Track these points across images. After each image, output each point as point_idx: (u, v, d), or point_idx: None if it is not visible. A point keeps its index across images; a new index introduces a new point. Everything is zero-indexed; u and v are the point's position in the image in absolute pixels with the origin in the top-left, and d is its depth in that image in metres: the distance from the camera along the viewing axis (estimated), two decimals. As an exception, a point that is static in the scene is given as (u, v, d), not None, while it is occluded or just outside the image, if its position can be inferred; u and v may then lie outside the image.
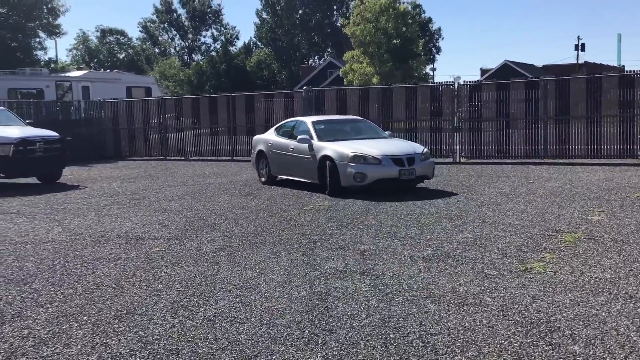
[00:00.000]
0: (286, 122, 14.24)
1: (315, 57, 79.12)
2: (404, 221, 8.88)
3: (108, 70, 50.27)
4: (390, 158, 11.20)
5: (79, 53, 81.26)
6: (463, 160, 18.24)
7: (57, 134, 15.00)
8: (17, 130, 14.25)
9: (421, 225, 8.58)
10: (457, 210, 9.76)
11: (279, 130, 13.86)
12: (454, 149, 18.54)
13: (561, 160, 16.80)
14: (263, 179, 13.78)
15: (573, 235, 7.63)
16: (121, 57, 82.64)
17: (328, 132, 12.57)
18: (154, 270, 6.53)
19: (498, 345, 4.31)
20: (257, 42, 79.35)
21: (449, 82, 19.07)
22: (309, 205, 10.55)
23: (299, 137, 12.33)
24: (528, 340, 4.38)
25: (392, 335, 4.53)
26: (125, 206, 11.14)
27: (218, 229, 8.63)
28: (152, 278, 6.23)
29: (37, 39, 47.39)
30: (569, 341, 4.35)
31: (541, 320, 4.75)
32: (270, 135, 13.93)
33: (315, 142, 12.11)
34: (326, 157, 11.58)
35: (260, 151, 13.92)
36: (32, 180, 15.65)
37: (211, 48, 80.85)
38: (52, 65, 48.40)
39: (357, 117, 15.20)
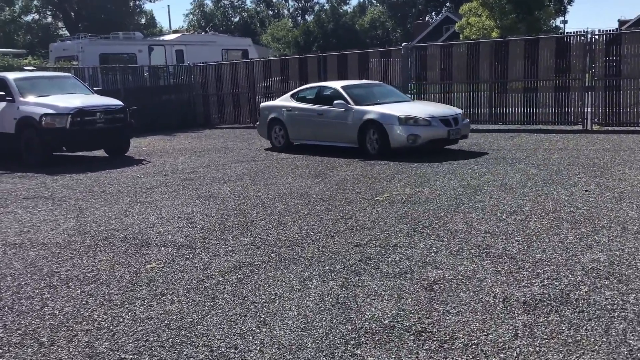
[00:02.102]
0: (304, 88, 14.31)
1: (432, 14, 74.52)
2: (504, 225, 6.36)
3: (203, 33, 49.59)
4: (439, 119, 11.64)
5: (195, 18, 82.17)
6: (596, 127, 14.93)
7: (120, 103, 13.58)
8: (77, 100, 12.96)
9: (528, 233, 6.03)
10: (584, 206, 7.04)
11: (296, 96, 13.86)
12: (584, 113, 15.25)
13: None
14: (279, 146, 13.82)
15: None
16: (235, 20, 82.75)
17: (361, 97, 12.67)
18: (121, 308, 4.58)
19: None
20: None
21: (580, 31, 15.55)
22: (384, 194, 8.23)
23: (335, 102, 12.43)
24: None
25: None
26: (171, 190, 9.41)
27: (251, 232, 6.58)
28: (106, 326, 4.27)
29: (137, 1, 46.89)
30: None
31: None
32: (286, 102, 13.88)
33: (353, 106, 12.24)
34: (370, 121, 11.80)
35: (273, 119, 13.92)
36: (101, 153, 14.47)
37: (324, 8, 78.61)
38: (157, 29, 47.95)
39: (377, 82, 15.38)
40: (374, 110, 11.93)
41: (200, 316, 4.32)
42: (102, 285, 5.09)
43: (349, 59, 18.70)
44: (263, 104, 14.88)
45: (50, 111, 12.47)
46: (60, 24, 41.28)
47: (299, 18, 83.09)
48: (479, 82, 16.57)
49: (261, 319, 4.23)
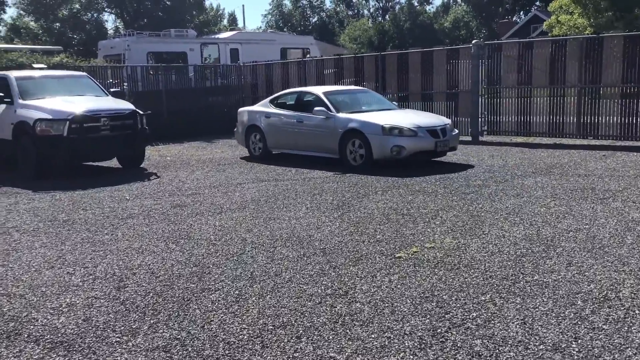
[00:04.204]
0: (284, 93, 13.47)
1: (521, 13, 69.88)
2: (628, 335, 3.82)
3: (261, 30, 47.71)
4: (426, 129, 10.75)
5: (273, 18, 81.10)
6: None
7: (129, 107, 11.71)
8: (80, 103, 11.19)
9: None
10: None
11: (276, 102, 12.95)
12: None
13: None
14: (256, 154, 12.95)
15: None
16: (313, 20, 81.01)
17: (343, 104, 11.77)
18: None
19: None
20: (457, -3, 72.29)
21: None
22: (411, 248, 5.79)
23: (315, 108, 11.50)
24: None
25: None
26: (146, 222, 7.36)
27: (184, 320, 4.36)
28: None
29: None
30: None
31: None
32: (265, 108, 12.98)
33: (335, 114, 11.33)
34: (352, 130, 10.90)
35: (252, 125, 13.01)
36: (115, 163, 12.70)
37: (402, 7, 75.51)
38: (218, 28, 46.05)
39: (361, 88, 14.44)
40: (356, 119, 11.05)
41: None
42: None
43: (411, 58, 16.17)
44: (241, 109, 13.84)
45: (46, 116, 10.75)
46: (118, 22, 40.86)
47: (379, 18, 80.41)
48: (565, 86, 13.66)
49: None
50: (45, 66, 13.53)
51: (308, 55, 24.53)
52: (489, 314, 4.16)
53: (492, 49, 14.87)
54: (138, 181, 10.58)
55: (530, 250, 5.60)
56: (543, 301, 4.37)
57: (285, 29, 77.14)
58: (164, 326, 4.16)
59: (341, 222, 6.97)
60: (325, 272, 5.17)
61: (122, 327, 4.16)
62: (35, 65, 13.26)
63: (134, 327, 4.16)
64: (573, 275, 4.90)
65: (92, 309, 4.51)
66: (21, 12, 39.74)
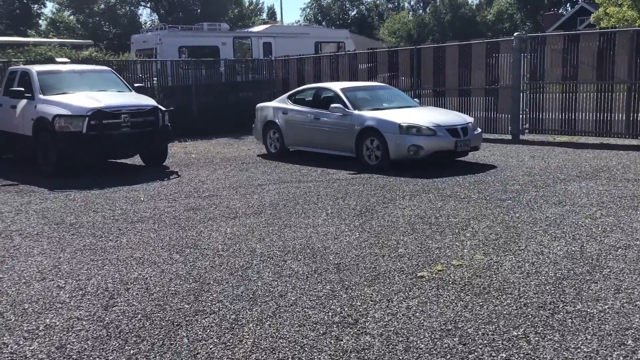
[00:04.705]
0: (303, 89, 13.05)
1: (567, 5, 67.60)
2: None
3: (295, 24, 46.86)
4: (446, 128, 10.23)
5: (311, 12, 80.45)
6: None
7: (151, 104, 11.29)
8: (101, 99, 10.82)
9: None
10: None
11: (293, 98, 12.58)
12: None
13: None
14: (273, 151, 12.62)
15: None
16: (352, 13, 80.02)
17: (362, 101, 11.39)
18: None
19: None
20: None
21: None
22: (435, 265, 5.17)
23: (332, 105, 11.12)
24: None
25: None
26: (155, 227, 6.92)
27: (166, 351, 3.84)
28: None
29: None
30: None
31: None
32: (283, 104, 12.62)
33: (352, 111, 10.94)
34: (369, 129, 10.47)
35: (269, 122, 12.69)
36: (138, 160, 12.36)
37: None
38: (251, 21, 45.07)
39: (383, 84, 13.80)
40: (373, 117, 10.66)
41: None
42: None
43: (448, 52, 15.41)
44: (259, 105, 13.49)
45: (65, 112, 10.42)
46: (153, 15, 40.79)
47: (420, 11, 78.94)
48: (614, 82, 12.73)
49: None
50: (69, 60, 13.26)
51: (342, 50, 23.90)
52: (521, 355, 3.52)
53: (535, 42, 14.00)
54: (157, 180, 10.17)
55: (572, 272, 4.91)
56: (586, 339, 3.70)
57: (323, 23, 76.41)
58: (143, 359, 3.65)
59: (361, 232, 6.37)
60: (335, 294, 4.59)
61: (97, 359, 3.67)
62: (58, 60, 13.01)
63: (109, 359, 3.66)
64: (622, 305, 4.21)
65: (70, 334, 4.04)
66: (57, 5, 40.17)
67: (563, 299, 4.35)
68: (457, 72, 15.11)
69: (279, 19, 67.35)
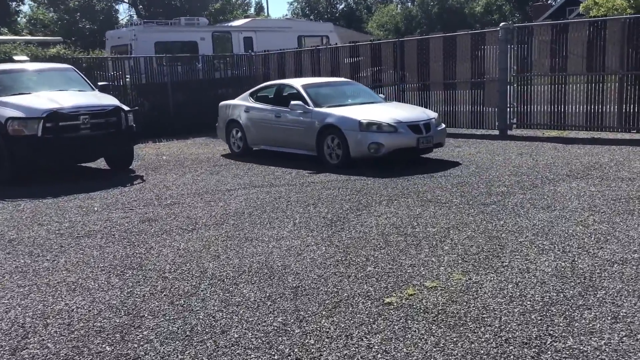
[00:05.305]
0: (264, 86, 12.67)
1: (556, -5, 67.01)
2: None
3: (277, 17, 45.88)
4: (407, 125, 9.90)
5: (299, 5, 79.48)
6: None
7: (113, 104, 10.57)
8: (58, 99, 10.07)
9: None
10: None
11: (255, 95, 12.17)
12: None
13: None
14: (236, 151, 12.23)
15: None
16: (340, 7, 79.11)
17: (323, 97, 10.96)
18: None
19: None
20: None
21: None
22: (406, 289, 4.51)
23: (292, 102, 10.75)
24: None
25: None
26: (100, 244, 6.23)
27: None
28: None
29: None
30: None
31: None
32: (245, 102, 12.15)
33: (313, 108, 10.56)
34: (329, 126, 10.11)
35: (231, 120, 12.28)
36: (102, 164, 11.64)
37: (432, -9, 73.14)
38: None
39: (346, 79, 13.22)
40: (333, 114, 10.25)
41: None
42: None
43: (432, 44, 14.74)
44: (222, 103, 13.01)
45: (18, 114, 9.70)
46: (131, 10, 39.63)
47: (408, 3, 78.20)
48: (605, 73, 12.10)
49: None
50: (28, 59, 12.48)
51: (326, 44, 23.18)
52: (500, 414, 2.87)
53: (522, 32, 13.35)
54: (118, 187, 9.46)
55: (562, 295, 4.26)
56: (580, 389, 3.06)
57: (311, 17, 75.54)
58: None
59: (328, 246, 5.71)
60: (287, 328, 3.93)
61: None
62: (16, 58, 12.23)
63: None
64: (621, 339, 3.56)
65: (-39, 389, 3.36)
66: (31, 1, 39.21)
67: (551, 331, 3.70)
68: (442, 65, 14.45)
69: (266, 13, 66.53)
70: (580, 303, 4.11)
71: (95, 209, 7.91)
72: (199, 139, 15.70)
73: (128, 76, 16.93)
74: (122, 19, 39.77)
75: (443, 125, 10.80)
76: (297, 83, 11.51)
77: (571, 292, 4.31)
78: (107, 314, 4.32)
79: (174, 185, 9.39)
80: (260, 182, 9.30)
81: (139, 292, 4.73)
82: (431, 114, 10.66)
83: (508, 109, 13.41)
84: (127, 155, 11.17)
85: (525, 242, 5.52)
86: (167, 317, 4.20)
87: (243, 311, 4.25)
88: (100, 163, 11.75)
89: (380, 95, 12.23)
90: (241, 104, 12.20)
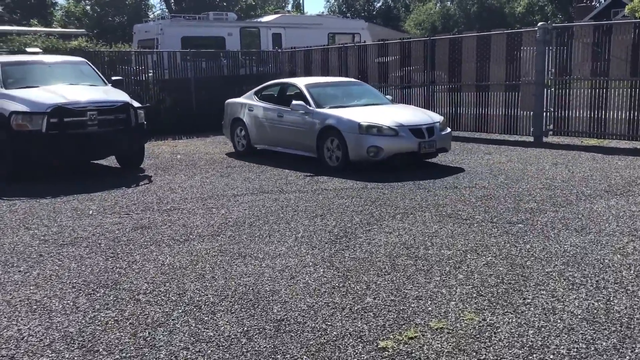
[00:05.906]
0: (269, 85, 12.29)
1: (601, -4, 64.83)
2: None
3: (308, 14, 45.07)
4: (409, 129, 9.53)
5: (336, 3, 78.61)
6: None
7: (122, 100, 10.08)
8: (65, 94, 9.65)
9: None
10: None
11: (260, 94, 11.91)
12: None
13: None
14: (240, 150, 12.01)
15: None
16: (377, 5, 78.05)
17: (326, 97, 10.67)
18: None
19: None
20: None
21: None
22: (407, 330, 3.84)
23: (293, 102, 10.50)
24: None
25: None
26: (84, 253, 5.72)
27: None
28: None
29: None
30: None
31: None
32: (249, 100, 11.91)
33: (314, 109, 10.30)
34: (329, 128, 9.83)
35: (236, 119, 12.03)
36: (113, 162, 11.21)
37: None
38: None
39: (353, 80, 12.88)
40: (334, 115, 9.96)
41: None
42: None
43: (465, 43, 13.94)
44: (228, 101, 12.72)
45: (23, 108, 9.29)
46: (160, 3, 39.50)
47: (447, 2, 76.77)
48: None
49: None
50: (41, 50, 12.11)
51: (356, 42, 22.48)
52: None
53: (562, 33, 12.45)
54: (122, 187, 8.98)
55: (592, 348, 3.54)
56: None
57: (348, 15, 74.72)
58: None
59: (327, 268, 5.06)
60: None
61: None
62: (28, 50, 11.86)
63: None
64: (666, 416, 2.84)
65: None
66: (64, -6, 39.44)
67: (577, 400, 2.99)
68: (475, 66, 13.63)
69: (302, 10, 65.95)
70: (615, 360, 3.39)
71: (91, 212, 7.42)
72: (218, 137, 15.16)
73: (151, 71, 16.53)
74: (154, 13, 39.71)
75: (449, 130, 10.38)
76: (301, 82, 11.23)
77: (604, 343, 3.59)
78: (57, 346, 3.75)
79: (179, 187, 8.86)
80: (270, 187, 8.69)
81: (102, 318, 4.16)
82: (436, 118, 10.24)
83: (544, 114, 12.55)
84: (137, 154, 10.68)
85: (553, 274, 4.78)
86: (124, 354, 3.62)
87: (212, 350, 3.64)
88: (112, 161, 11.33)
89: (387, 96, 11.81)
90: (246, 102, 11.95)
